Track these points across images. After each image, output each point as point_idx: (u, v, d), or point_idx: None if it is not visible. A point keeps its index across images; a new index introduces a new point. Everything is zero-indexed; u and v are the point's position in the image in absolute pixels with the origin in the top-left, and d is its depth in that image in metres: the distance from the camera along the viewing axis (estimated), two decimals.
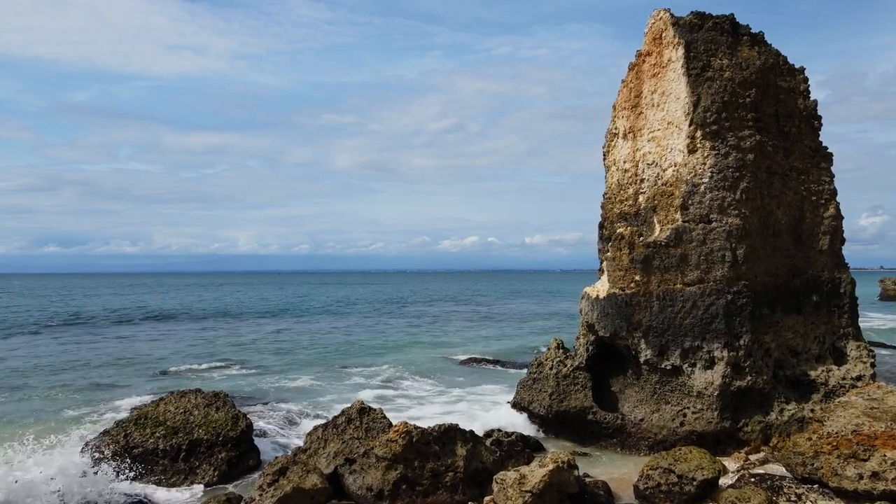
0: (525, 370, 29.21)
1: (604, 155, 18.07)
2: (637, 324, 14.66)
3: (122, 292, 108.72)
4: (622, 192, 16.94)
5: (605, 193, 17.88)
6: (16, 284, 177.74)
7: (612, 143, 17.40)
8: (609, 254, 15.43)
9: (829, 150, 15.91)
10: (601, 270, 17.88)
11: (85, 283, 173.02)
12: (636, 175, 16.41)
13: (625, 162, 16.83)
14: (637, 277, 14.59)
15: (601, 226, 17.85)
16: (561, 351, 16.83)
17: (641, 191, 16.18)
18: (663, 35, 15.55)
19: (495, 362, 30.16)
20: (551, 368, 16.28)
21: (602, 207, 17.95)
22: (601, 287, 15.59)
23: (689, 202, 14.55)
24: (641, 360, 14.88)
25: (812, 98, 15.87)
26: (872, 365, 14.62)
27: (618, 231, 15.38)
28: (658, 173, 15.62)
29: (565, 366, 16.07)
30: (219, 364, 30.00)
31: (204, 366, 29.42)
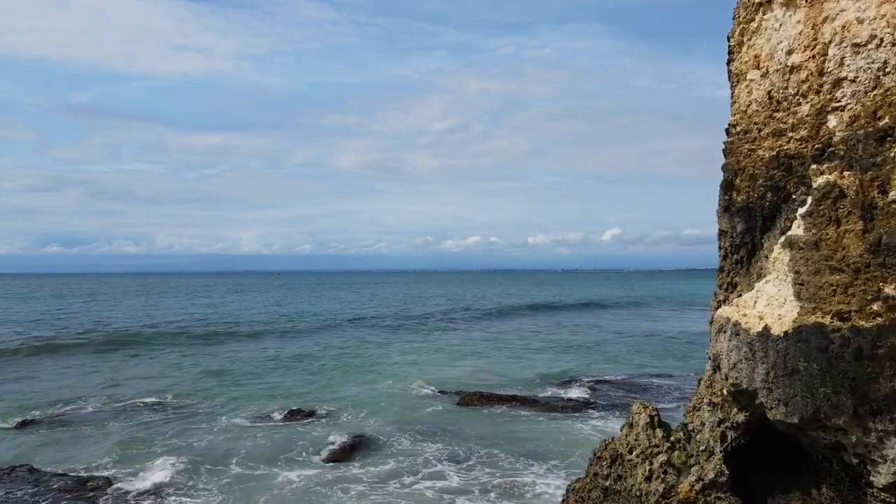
0: (552, 415, 20.41)
1: (730, 53, 9.63)
2: (882, 402, 6.14)
3: (111, 297, 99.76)
4: (780, 113, 8.50)
5: (734, 125, 9.43)
6: (14, 285, 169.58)
7: (756, 24, 8.93)
8: (801, 233, 6.96)
9: None
10: (725, 271, 9.52)
11: (81, 286, 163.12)
12: (820, 74, 7.94)
13: (788, 53, 8.36)
14: (891, 290, 6.05)
15: (728, 186, 9.38)
16: (660, 434, 8.37)
17: (836, 104, 7.69)
18: None
19: (510, 400, 21.69)
20: (650, 478, 7.80)
21: (728, 153, 9.49)
22: (770, 311, 7.09)
23: None
24: (879, 480, 6.38)
25: None
26: None
27: (821, 180, 6.92)
28: (887, 60, 7.13)
29: (684, 474, 7.58)
30: (122, 403, 21.56)
31: (93, 407, 21.01)
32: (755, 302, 7.36)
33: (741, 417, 7.36)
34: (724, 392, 7.42)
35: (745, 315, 7.26)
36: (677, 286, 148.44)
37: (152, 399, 22.42)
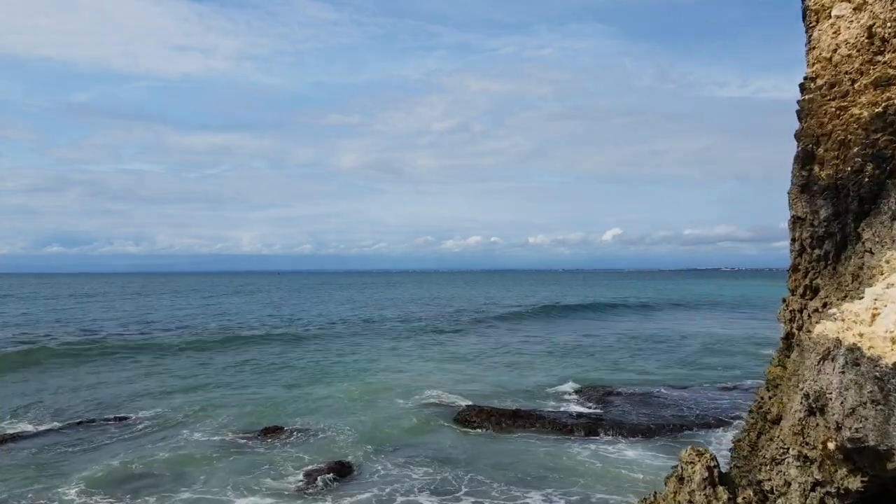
0: (559, 435, 16.40)
1: None
2: None
3: (105, 299, 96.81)
4: (888, 55, 6.31)
5: (813, 78, 7.21)
6: (13, 285, 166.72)
7: None
8: None
9: None
10: (801, 271, 7.32)
11: (78, 286, 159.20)
12: None
13: None
14: None
15: (807, 158, 7.13)
16: (724, 496, 6.12)
17: None
18: None
19: (511, 416, 19.33)
20: None
21: (805, 114, 7.30)
22: None
23: None
24: None
25: None
26: None
27: None
28: None
29: None
30: (76, 418, 19.27)
31: (44, 423, 18.74)
32: (874, 315, 5.07)
33: (855, 483, 5.07)
34: (831, 446, 5.13)
35: (861, 335, 4.97)
36: (679, 286, 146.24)
37: (113, 413, 20.13)
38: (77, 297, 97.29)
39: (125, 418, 19.51)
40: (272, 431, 17.72)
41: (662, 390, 24.14)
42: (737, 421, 18.28)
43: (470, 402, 21.42)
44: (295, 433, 17.54)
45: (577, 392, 23.59)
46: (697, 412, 20.22)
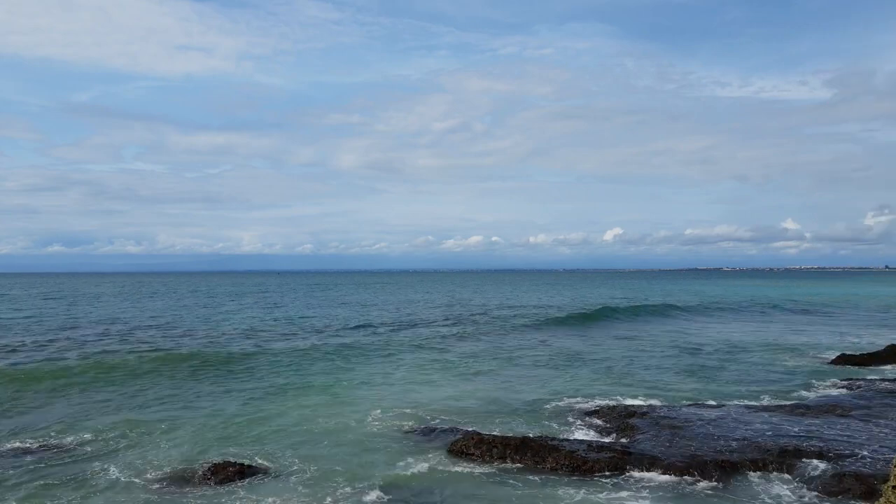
0: (579, 475, 13.82)
1: None
2: None
3: (94, 300, 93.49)
4: None
5: None
6: (11, 285, 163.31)
7: None
8: None
9: None
10: None
11: (75, 286, 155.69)
12: None
13: None
14: None
15: None
16: None
17: None
18: None
19: (518, 447, 15.95)
20: None
21: None
22: None
23: None
24: None
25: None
26: None
27: None
28: None
29: None
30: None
31: None
32: None
33: None
34: None
35: None
36: (682, 287, 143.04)
37: (27, 443, 16.84)
38: (58, 299, 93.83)
39: (43, 446, 16.27)
40: (224, 470, 14.45)
41: (687, 410, 20.87)
42: (797, 463, 14.89)
43: (467, 428, 18.21)
44: (253, 471, 14.30)
45: (592, 414, 20.31)
46: (734, 443, 16.80)
